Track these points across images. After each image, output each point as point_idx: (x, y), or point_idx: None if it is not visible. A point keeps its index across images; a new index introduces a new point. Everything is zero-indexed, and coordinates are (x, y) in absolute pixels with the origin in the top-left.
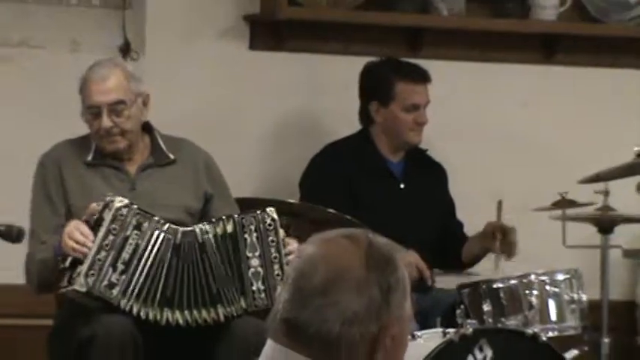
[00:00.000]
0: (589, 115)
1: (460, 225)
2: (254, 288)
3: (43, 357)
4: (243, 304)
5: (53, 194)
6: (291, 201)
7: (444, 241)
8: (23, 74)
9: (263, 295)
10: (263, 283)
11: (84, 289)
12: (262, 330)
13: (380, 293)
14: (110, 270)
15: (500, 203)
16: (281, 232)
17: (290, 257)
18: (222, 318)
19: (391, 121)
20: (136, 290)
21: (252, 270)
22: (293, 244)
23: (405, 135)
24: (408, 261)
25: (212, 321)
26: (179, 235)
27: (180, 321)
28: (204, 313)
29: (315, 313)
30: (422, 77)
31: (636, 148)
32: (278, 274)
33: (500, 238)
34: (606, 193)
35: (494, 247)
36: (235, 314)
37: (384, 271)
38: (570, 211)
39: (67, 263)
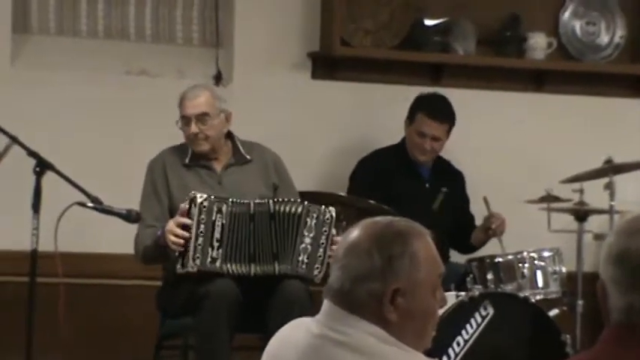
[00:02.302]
0: (569, 131)
1: (472, 217)
2: (300, 259)
3: (149, 308)
4: (289, 267)
5: (159, 189)
6: (341, 193)
7: (459, 229)
8: (143, 96)
9: (304, 266)
10: (307, 258)
11: (195, 270)
12: (304, 290)
13: (381, 260)
14: (209, 249)
15: (485, 198)
16: (334, 230)
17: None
18: (275, 273)
19: (408, 137)
20: (231, 256)
21: (303, 245)
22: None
23: (412, 151)
24: None
25: (270, 274)
26: (252, 206)
27: (259, 272)
28: (266, 267)
29: (335, 274)
30: (438, 116)
31: (604, 157)
32: (320, 256)
33: (494, 223)
34: (581, 191)
35: (491, 232)
36: (282, 273)
37: (389, 244)
38: (554, 204)
39: (177, 253)
